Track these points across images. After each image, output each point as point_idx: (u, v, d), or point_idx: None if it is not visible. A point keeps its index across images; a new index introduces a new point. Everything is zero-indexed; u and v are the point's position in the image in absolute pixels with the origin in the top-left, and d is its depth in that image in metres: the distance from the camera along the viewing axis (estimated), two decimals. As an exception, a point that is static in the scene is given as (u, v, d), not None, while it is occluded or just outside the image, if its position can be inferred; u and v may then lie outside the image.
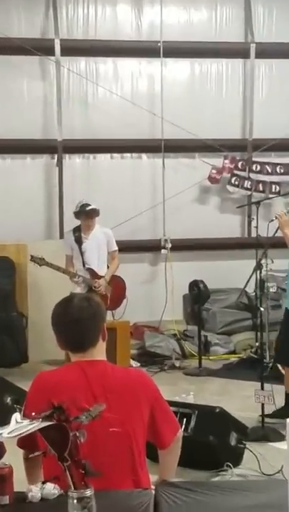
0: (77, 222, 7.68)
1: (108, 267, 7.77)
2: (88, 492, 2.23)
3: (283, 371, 6.30)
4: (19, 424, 2.27)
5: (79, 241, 7.57)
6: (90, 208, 7.50)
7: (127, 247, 9.38)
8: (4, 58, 9.35)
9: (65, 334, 2.90)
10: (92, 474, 2.26)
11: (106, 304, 7.47)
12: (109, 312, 7.99)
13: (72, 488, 2.24)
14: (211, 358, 8.78)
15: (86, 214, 7.51)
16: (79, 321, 2.85)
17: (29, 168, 9.64)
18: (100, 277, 7.60)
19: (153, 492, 2.63)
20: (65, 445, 2.21)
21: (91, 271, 7.57)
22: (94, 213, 7.56)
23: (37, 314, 8.37)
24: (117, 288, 7.82)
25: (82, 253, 7.54)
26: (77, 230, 7.65)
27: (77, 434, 2.27)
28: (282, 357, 6.20)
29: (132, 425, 2.77)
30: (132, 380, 2.86)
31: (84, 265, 7.54)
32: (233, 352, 8.97)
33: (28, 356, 8.46)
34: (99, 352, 2.90)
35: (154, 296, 9.66)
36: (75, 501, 2.22)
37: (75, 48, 9.52)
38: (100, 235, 7.68)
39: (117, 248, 7.82)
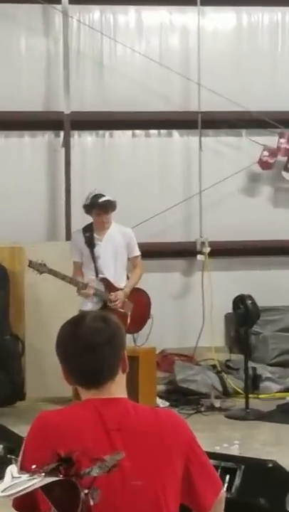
0: (89, 220, 7.71)
1: (128, 277, 7.80)
2: None
3: None
4: (16, 480, 2.30)
5: (91, 243, 7.59)
6: (104, 199, 7.52)
7: (152, 252, 9.42)
8: (-3, 8, 9.48)
9: (74, 364, 2.90)
10: None
11: (125, 325, 7.43)
12: (129, 336, 8.00)
13: None
14: (261, 396, 8.77)
15: (99, 207, 7.52)
16: (93, 347, 2.85)
17: (27, 149, 9.74)
18: (118, 290, 7.61)
19: None
20: (75, 507, 2.23)
21: (106, 282, 7.59)
22: (109, 207, 7.57)
23: (36, 338, 8.43)
24: (140, 305, 7.83)
25: (94, 259, 7.57)
26: (88, 230, 7.67)
27: (90, 492, 2.30)
28: None
29: (161, 480, 2.76)
30: (160, 423, 2.83)
31: (97, 274, 7.57)
32: (291, 389, 8.96)
33: (24, 392, 8.50)
34: (118, 387, 2.88)
35: (187, 316, 9.67)
36: None
37: (86, -6, 9.63)
38: (117, 235, 7.71)
39: (139, 253, 7.85)
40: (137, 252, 7.84)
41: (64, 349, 2.92)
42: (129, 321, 7.61)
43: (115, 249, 7.67)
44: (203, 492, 2.88)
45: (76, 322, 2.95)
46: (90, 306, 7.50)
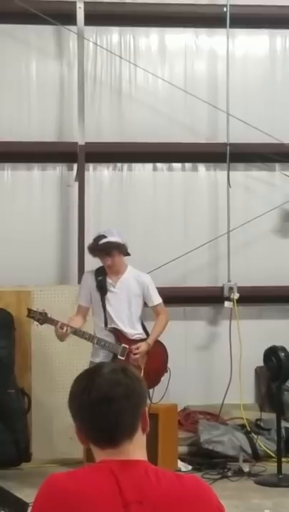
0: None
1: (144, 327, 7.77)
2: None
3: None
4: None
5: (103, 288, 7.58)
6: (104, 241, 7.47)
7: (175, 298, 9.39)
8: (3, 28, 9.56)
9: (87, 418, 2.85)
10: None
11: None
12: None
13: None
14: (296, 461, 8.66)
15: (99, 251, 7.52)
16: (109, 400, 2.79)
17: (37, 184, 9.78)
18: (131, 341, 7.58)
19: None
20: None
21: (116, 332, 7.58)
22: (112, 249, 7.51)
23: (44, 392, 8.46)
24: (155, 357, 7.74)
25: (104, 306, 7.54)
26: (101, 273, 7.64)
27: None
28: None
29: None
30: (185, 492, 2.76)
31: (106, 324, 7.55)
32: None
33: (30, 453, 8.46)
34: (137, 449, 2.82)
35: (213, 369, 9.63)
36: None
37: (104, 14, 9.71)
38: (132, 282, 7.70)
39: (160, 301, 7.82)
40: (158, 300, 7.80)
41: (77, 401, 2.87)
42: (142, 374, 7.53)
43: (129, 297, 7.66)
44: None
45: (93, 372, 2.91)
46: (101, 357, 7.48)
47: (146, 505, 2.64)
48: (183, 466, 8.26)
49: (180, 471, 7.95)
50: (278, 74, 10.12)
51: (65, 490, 2.73)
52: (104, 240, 7.49)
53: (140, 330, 7.72)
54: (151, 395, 8.05)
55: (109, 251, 7.51)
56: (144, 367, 7.58)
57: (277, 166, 9.98)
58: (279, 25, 10.05)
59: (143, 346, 7.54)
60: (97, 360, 7.41)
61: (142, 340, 7.66)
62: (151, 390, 7.93)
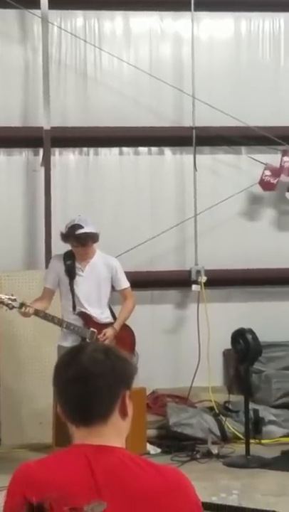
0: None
1: (112, 311, 7.83)
2: None
3: None
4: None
5: (71, 273, 7.61)
6: (81, 231, 7.48)
7: (142, 282, 9.43)
8: None
9: (64, 396, 2.84)
10: None
11: None
12: None
13: None
14: (263, 442, 8.73)
15: (75, 240, 7.53)
16: (86, 378, 2.77)
17: (2, 169, 9.76)
18: (100, 325, 7.64)
19: None
20: None
21: (85, 316, 7.63)
22: (88, 240, 7.56)
23: (13, 379, 8.45)
24: (122, 341, 7.79)
25: (73, 290, 7.58)
26: (70, 257, 7.67)
27: None
28: None
29: None
30: (164, 485, 2.70)
31: (74, 308, 7.58)
32: (297, 434, 8.94)
33: (-1, 439, 8.46)
34: (114, 433, 2.76)
35: (181, 353, 9.66)
36: None
37: (68, -1, 9.70)
38: (101, 266, 7.75)
39: (128, 285, 7.88)
40: (126, 284, 7.87)
41: (57, 377, 2.87)
42: None
43: (98, 281, 7.71)
44: None
45: (76, 349, 2.90)
46: (69, 341, 7.50)
47: (117, 491, 2.65)
48: (152, 449, 8.29)
49: (149, 454, 8.00)
50: (243, 57, 10.13)
51: (35, 480, 2.71)
52: (81, 231, 7.50)
53: (108, 314, 7.79)
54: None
55: (86, 242, 7.55)
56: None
57: (243, 149, 10.00)
58: (243, 8, 10.06)
59: (109, 332, 7.63)
60: (66, 344, 7.42)
61: (109, 324, 7.71)
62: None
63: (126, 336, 7.80)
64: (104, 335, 7.58)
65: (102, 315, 7.69)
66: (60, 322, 7.55)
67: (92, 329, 7.58)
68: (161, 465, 2.80)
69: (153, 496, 2.62)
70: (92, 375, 2.74)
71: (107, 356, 2.79)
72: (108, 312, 7.79)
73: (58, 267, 7.68)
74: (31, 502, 2.23)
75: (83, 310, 7.60)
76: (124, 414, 2.77)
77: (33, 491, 2.48)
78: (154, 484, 2.65)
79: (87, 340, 7.52)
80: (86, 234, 7.50)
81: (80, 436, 2.75)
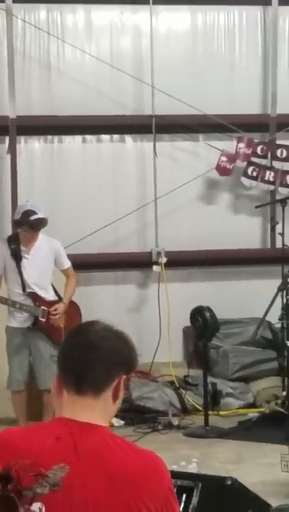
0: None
1: (55, 289, 7.89)
2: None
3: None
4: None
5: (17, 256, 7.62)
6: (35, 217, 7.53)
7: (105, 264, 9.47)
8: None
9: (65, 360, 2.82)
10: None
11: (61, 339, 7.61)
12: None
13: None
14: (221, 413, 8.79)
15: (30, 226, 7.57)
16: (91, 348, 2.73)
17: None
18: (49, 303, 7.69)
19: None
20: (14, 523, 2.21)
21: (34, 296, 7.66)
22: (41, 225, 7.63)
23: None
24: (72, 317, 7.91)
25: (21, 273, 7.60)
26: (14, 241, 7.69)
27: (32, 509, 2.28)
28: None
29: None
30: (143, 468, 2.66)
31: (24, 289, 7.61)
32: (252, 405, 9.00)
33: None
34: (101, 411, 2.74)
35: (142, 330, 9.60)
36: None
37: (32, -7, 9.62)
38: (45, 248, 7.79)
39: (70, 264, 7.96)
40: (68, 264, 7.95)
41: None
42: (63, 333, 7.69)
43: (43, 263, 7.75)
44: None
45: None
46: (17, 321, 7.63)
47: (97, 472, 2.63)
48: (116, 421, 8.26)
49: (113, 426, 8.01)
50: (200, 48, 10.12)
51: (14, 446, 2.69)
52: (36, 217, 7.53)
53: (52, 293, 7.85)
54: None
55: (40, 226, 7.62)
56: (63, 326, 7.71)
57: (200, 136, 10.00)
58: (200, 1, 10.03)
59: (61, 307, 7.71)
60: (13, 324, 7.64)
61: (55, 301, 7.78)
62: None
63: (73, 312, 8.01)
64: (56, 310, 7.67)
65: (47, 294, 7.76)
66: (13, 304, 7.58)
67: (43, 307, 7.64)
68: (141, 448, 2.80)
69: (130, 476, 2.62)
70: (97, 347, 2.72)
71: (116, 337, 2.78)
72: (52, 291, 7.85)
73: (4, 251, 7.66)
74: (-2, 467, 2.25)
75: (32, 290, 7.63)
76: (115, 396, 2.74)
77: (6, 457, 2.49)
78: (132, 465, 2.65)
79: (40, 318, 7.59)
80: (40, 220, 7.55)
81: (70, 406, 2.73)
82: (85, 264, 8.17)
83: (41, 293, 7.72)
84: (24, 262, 7.64)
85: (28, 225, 7.56)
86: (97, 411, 2.70)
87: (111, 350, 2.73)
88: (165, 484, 2.70)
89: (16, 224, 7.77)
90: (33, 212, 7.53)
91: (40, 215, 7.54)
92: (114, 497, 2.61)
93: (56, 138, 9.85)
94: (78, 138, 9.91)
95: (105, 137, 9.97)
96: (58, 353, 2.85)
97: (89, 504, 2.57)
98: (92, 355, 2.71)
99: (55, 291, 7.93)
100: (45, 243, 7.79)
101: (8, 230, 9.27)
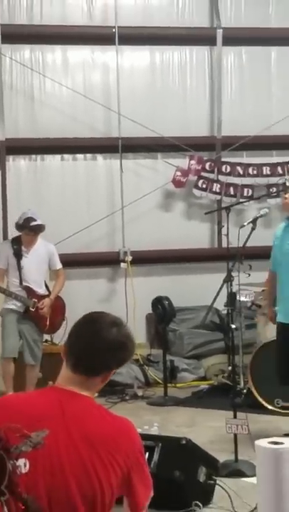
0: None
1: (47, 286, 7.95)
2: (30, 531, 2.24)
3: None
4: None
5: (18, 255, 7.68)
6: (34, 223, 7.64)
7: (81, 261, 9.45)
8: None
9: (73, 342, 2.80)
10: (35, 509, 2.27)
11: (45, 327, 7.69)
12: (46, 336, 8.21)
13: (12, 526, 2.24)
14: (177, 385, 8.80)
15: (30, 230, 7.67)
16: (96, 339, 2.77)
17: None
18: (39, 296, 7.74)
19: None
20: (3, 475, 2.22)
21: (28, 289, 7.71)
22: (39, 230, 7.72)
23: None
24: (56, 309, 7.97)
25: (20, 269, 7.63)
26: (16, 242, 7.75)
27: (17, 464, 2.29)
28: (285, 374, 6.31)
29: (99, 472, 2.70)
30: (117, 432, 2.74)
31: (21, 282, 7.63)
32: (203, 378, 9.01)
33: None
34: (90, 388, 2.78)
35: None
36: None
37: (18, 35, 9.58)
38: (42, 250, 7.85)
39: (61, 266, 8.02)
40: (59, 265, 8.00)
41: (76, 326, 2.83)
42: (48, 323, 7.75)
43: (39, 262, 7.81)
44: (140, 497, 2.83)
45: (100, 314, 2.89)
46: (10, 305, 7.67)
47: (79, 434, 2.62)
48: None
49: (87, 397, 8.03)
50: (158, 81, 10.13)
51: (11, 409, 2.69)
52: (35, 223, 7.63)
53: (44, 288, 7.89)
54: (52, 338, 8.34)
55: (38, 231, 7.70)
56: (49, 317, 7.74)
57: (159, 155, 10.00)
58: (157, 42, 10.04)
59: (47, 301, 7.76)
60: (11, 306, 7.69)
61: (46, 295, 7.83)
62: (53, 335, 8.21)
63: (59, 305, 8.00)
64: (43, 303, 7.73)
65: (40, 289, 7.81)
66: (9, 293, 7.63)
67: (33, 300, 7.68)
68: (117, 415, 2.82)
69: (105, 437, 2.66)
70: (101, 341, 2.74)
71: (120, 335, 2.79)
72: (44, 287, 7.90)
73: (8, 250, 7.74)
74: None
75: (27, 284, 7.67)
76: (104, 380, 2.80)
77: (2, 419, 2.49)
78: (107, 429, 2.70)
79: (30, 308, 7.62)
80: (39, 225, 7.65)
81: (64, 378, 2.75)
82: (63, 263, 8.14)
83: (35, 287, 7.75)
84: (24, 260, 7.68)
85: (28, 229, 7.63)
86: (85, 386, 2.73)
87: (111, 347, 2.75)
88: (136, 447, 2.75)
89: (18, 227, 7.78)
90: (33, 219, 7.64)
91: (39, 222, 7.65)
92: (90, 455, 2.63)
93: (39, 157, 9.81)
94: (57, 157, 9.88)
95: (80, 156, 9.95)
96: (70, 332, 2.84)
97: (68, 460, 2.59)
98: (94, 348, 2.73)
99: (47, 287, 7.96)
100: (42, 246, 7.84)
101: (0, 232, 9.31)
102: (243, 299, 7.95)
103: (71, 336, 2.82)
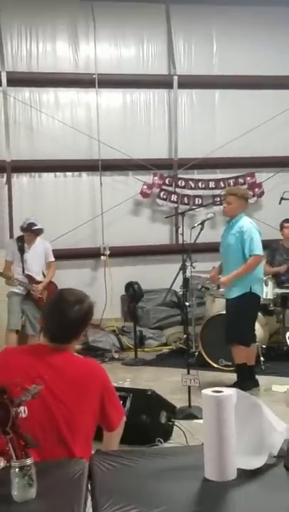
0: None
1: (44, 274, 7.92)
2: (28, 461, 2.24)
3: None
4: None
5: (21, 250, 7.70)
6: (35, 227, 7.70)
7: (70, 255, 9.42)
8: None
9: (48, 317, 2.86)
10: (32, 446, 2.27)
11: (42, 306, 7.61)
12: None
13: (15, 458, 2.25)
14: (145, 350, 8.83)
15: (32, 232, 7.69)
16: (64, 312, 2.81)
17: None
18: (38, 282, 7.71)
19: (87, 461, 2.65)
20: (7, 419, 2.22)
21: (29, 277, 7.71)
22: (39, 232, 7.76)
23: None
24: (51, 292, 7.89)
25: (23, 261, 7.61)
26: (21, 240, 7.76)
27: (19, 410, 2.29)
28: (238, 338, 6.35)
29: (79, 407, 2.74)
30: (87, 373, 2.81)
31: (23, 271, 7.62)
32: (165, 344, 9.04)
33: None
34: (67, 348, 2.84)
35: (95, 297, 9.44)
36: (17, 470, 2.23)
37: (20, 80, 9.49)
38: (40, 247, 7.85)
39: (53, 259, 8.00)
40: (52, 258, 7.99)
41: (49, 305, 2.90)
42: (44, 303, 7.70)
43: (38, 256, 7.80)
44: (112, 418, 2.88)
45: (66, 291, 2.89)
46: (15, 290, 7.62)
47: (58, 379, 2.68)
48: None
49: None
50: (128, 116, 10.09)
51: (10, 363, 2.76)
52: (36, 227, 7.67)
53: (41, 276, 7.88)
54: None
55: (38, 233, 7.73)
56: (45, 298, 7.72)
57: (130, 172, 9.97)
58: (128, 86, 10.00)
59: (40, 286, 7.72)
60: (15, 290, 7.62)
61: (40, 282, 7.78)
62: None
63: (52, 288, 7.90)
64: (38, 288, 7.69)
65: (38, 276, 7.78)
66: (18, 282, 7.56)
67: (34, 285, 7.64)
68: (88, 359, 2.88)
69: (79, 379, 2.73)
70: (68, 314, 2.79)
71: (82, 304, 2.83)
72: (42, 275, 7.88)
73: (13, 246, 7.74)
74: (-2, 386, 2.26)
75: (28, 273, 7.63)
76: (77, 340, 2.88)
77: (3, 375, 2.50)
78: (79, 372, 2.76)
79: (31, 291, 7.58)
80: (39, 229, 7.70)
81: (46, 342, 2.83)
82: (56, 256, 8.13)
83: (35, 275, 7.71)
84: (26, 255, 7.67)
85: (30, 232, 7.65)
86: (62, 347, 2.80)
87: (74, 322, 2.80)
88: (99, 382, 2.79)
89: (22, 229, 7.76)
90: (35, 224, 7.69)
91: (39, 226, 7.68)
92: (71, 395, 2.67)
93: (37, 174, 9.75)
94: (51, 174, 9.82)
95: (69, 174, 9.90)
96: (44, 307, 2.91)
97: (56, 403, 2.62)
98: (62, 325, 2.78)
99: (44, 276, 7.93)
100: (40, 243, 7.83)
101: (7, 235, 9.23)
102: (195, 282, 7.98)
103: (45, 311, 2.89)
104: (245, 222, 6.35)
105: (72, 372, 2.75)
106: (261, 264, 6.40)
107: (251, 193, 6.69)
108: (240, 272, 6.20)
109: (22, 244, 7.68)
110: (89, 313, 2.88)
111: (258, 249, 6.23)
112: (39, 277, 7.82)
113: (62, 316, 2.80)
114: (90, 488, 2.32)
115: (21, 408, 2.31)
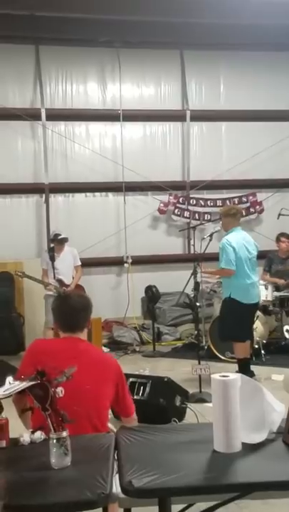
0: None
1: (73, 277, 7.89)
2: (64, 434, 2.27)
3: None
4: (11, 385, 2.31)
5: (52, 258, 7.66)
6: (60, 237, 7.68)
7: (98, 263, 9.46)
8: (3, 123, 9.38)
9: (60, 315, 2.93)
10: (68, 421, 2.30)
11: None
12: None
13: (53, 431, 2.27)
14: (162, 343, 8.79)
15: (58, 241, 7.67)
16: (73, 306, 2.92)
17: (24, 205, 9.63)
18: (67, 285, 7.70)
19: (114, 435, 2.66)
20: (46, 398, 2.24)
21: (60, 281, 7.67)
22: (64, 240, 7.71)
23: (31, 314, 8.39)
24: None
25: (54, 268, 7.62)
26: (51, 250, 7.75)
27: (56, 390, 2.31)
28: (227, 335, 6.30)
29: (100, 390, 2.78)
30: (105, 361, 2.89)
31: (54, 277, 7.63)
32: (179, 339, 8.99)
33: (24, 346, 8.33)
34: (82, 335, 2.93)
35: (119, 299, 9.69)
36: (55, 441, 2.26)
37: (56, 115, 9.56)
38: (68, 254, 7.82)
39: (80, 263, 7.93)
40: (79, 262, 7.93)
41: (57, 305, 2.95)
42: None
43: (66, 262, 7.75)
44: (128, 404, 2.90)
45: (70, 294, 3.08)
46: (51, 292, 7.57)
47: (84, 359, 2.74)
48: (105, 349, 8.29)
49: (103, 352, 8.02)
50: (149, 145, 10.11)
51: (41, 348, 2.80)
52: (60, 236, 7.64)
53: (70, 279, 7.81)
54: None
55: (63, 241, 7.67)
56: None
57: (149, 193, 9.99)
58: (148, 119, 10.03)
59: (68, 289, 7.62)
60: (49, 293, 7.52)
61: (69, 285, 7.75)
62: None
63: (80, 291, 7.87)
64: (67, 290, 7.62)
65: (68, 280, 7.74)
66: (48, 284, 7.58)
67: (64, 288, 7.63)
68: (105, 352, 2.93)
69: (99, 362, 2.82)
70: (77, 309, 2.90)
71: (85, 301, 2.97)
72: (72, 278, 7.83)
73: (46, 256, 7.72)
74: (38, 369, 2.28)
75: (59, 277, 7.63)
76: (86, 328, 2.91)
77: (41, 361, 2.53)
78: (100, 358, 2.87)
79: (61, 293, 7.55)
80: (63, 238, 7.67)
81: (67, 335, 2.89)
82: (86, 263, 8.17)
83: (64, 279, 7.68)
84: (56, 262, 7.63)
85: (56, 241, 7.62)
86: (81, 336, 2.89)
87: (83, 309, 2.91)
88: (118, 371, 2.87)
89: (50, 241, 7.80)
90: (59, 234, 7.66)
91: (63, 236, 7.64)
92: (94, 378, 2.71)
93: (70, 195, 9.79)
94: (82, 195, 9.85)
95: (97, 194, 9.93)
96: (54, 311, 2.95)
97: (86, 383, 2.66)
98: (74, 314, 2.82)
99: (73, 279, 7.89)
100: (68, 251, 7.78)
101: (45, 247, 9.26)
102: (204, 285, 7.94)
103: (59, 313, 2.95)
104: (224, 239, 6.17)
105: (94, 356, 2.85)
106: (242, 275, 6.11)
107: (237, 209, 6.51)
108: (213, 271, 6.48)
109: (52, 254, 7.67)
110: (89, 303, 2.99)
111: (225, 263, 6.03)
112: (68, 281, 7.78)
113: (71, 308, 2.88)
114: (116, 457, 2.34)
115: (58, 389, 2.32)
